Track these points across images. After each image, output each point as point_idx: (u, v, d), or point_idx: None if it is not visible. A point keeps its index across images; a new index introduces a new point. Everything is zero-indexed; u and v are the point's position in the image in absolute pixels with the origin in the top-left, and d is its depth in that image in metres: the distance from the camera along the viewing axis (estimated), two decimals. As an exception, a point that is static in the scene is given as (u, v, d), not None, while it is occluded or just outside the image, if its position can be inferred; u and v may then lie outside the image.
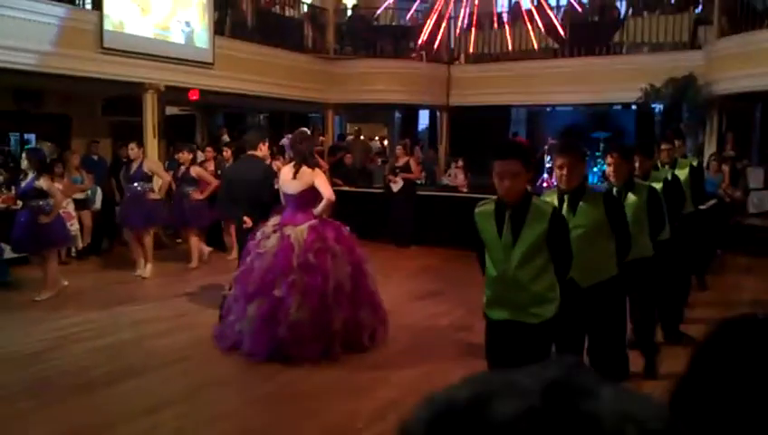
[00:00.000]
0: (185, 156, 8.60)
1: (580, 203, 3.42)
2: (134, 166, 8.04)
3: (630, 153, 4.33)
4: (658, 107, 12.47)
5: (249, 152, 5.92)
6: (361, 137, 15.22)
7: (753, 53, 10.06)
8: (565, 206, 3.41)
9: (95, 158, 10.59)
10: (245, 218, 5.54)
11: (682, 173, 5.32)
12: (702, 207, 6.13)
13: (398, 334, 5.47)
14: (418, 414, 0.46)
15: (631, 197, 4.09)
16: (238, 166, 6.28)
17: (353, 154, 12.97)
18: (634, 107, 13.84)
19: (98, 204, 9.69)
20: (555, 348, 3.24)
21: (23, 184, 6.81)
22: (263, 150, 5.92)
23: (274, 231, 5.07)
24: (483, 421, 0.41)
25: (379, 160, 14.95)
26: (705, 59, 11.44)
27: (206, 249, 8.75)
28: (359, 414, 3.96)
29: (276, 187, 5.47)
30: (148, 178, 8.11)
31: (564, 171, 3.37)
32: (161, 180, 8.34)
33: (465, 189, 11.48)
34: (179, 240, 9.71)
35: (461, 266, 8.12)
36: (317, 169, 5.25)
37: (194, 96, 11.50)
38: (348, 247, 5.17)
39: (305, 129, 5.92)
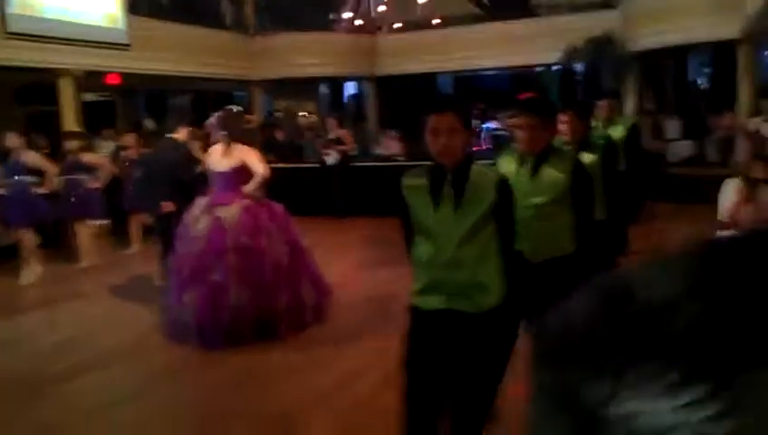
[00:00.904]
0: (73, 143, 7.94)
1: (544, 168, 3.05)
2: (12, 158, 7.30)
3: (586, 111, 4.07)
4: (580, 67, 12.87)
5: (168, 135, 5.76)
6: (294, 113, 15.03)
7: (665, 11, 10.49)
8: (524, 171, 3.06)
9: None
10: (167, 203, 5.37)
11: (617, 131, 5.44)
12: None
13: (351, 304, 5.50)
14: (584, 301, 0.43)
15: (588, 157, 3.68)
16: (157, 150, 6.10)
17: (283, 130, 12.80)
18: (556, 68, 14.21)
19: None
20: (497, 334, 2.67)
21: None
22: (182, 133, 5.74)
23: (204, 212, 4.92)
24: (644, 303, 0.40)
25: (310, 135, 14.82)
26: (622, 18, 11.83)
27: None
28: (321, 388, 3.97)
29: (201, 168, 5.32)
30: (30, 172, 7.33)
31: (526, 133, 3.02)
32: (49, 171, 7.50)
33: (401, 158, 11.53)
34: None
35: (399, 236, 8.21)
36: (248, 147, 5.13)
37: (113, 80, 11.05)
38: (282, 225, 5.08)
39: (233, 106, 5.79)
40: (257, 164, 5.02)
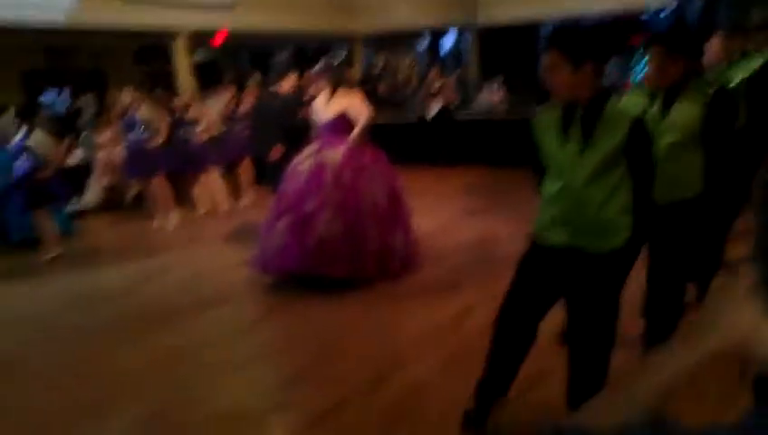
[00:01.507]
0: (179, 100, 8.31)
1: (677, 104, 2.92)
2: (129, 113, 7.76)
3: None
4: (694, 8, 12.04)
5: (275, 86, 6.00)
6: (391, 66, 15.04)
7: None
8: (654, 109, 2.95)
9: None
10: (276, 149, 5.56)
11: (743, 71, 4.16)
12: None
13: (456, 248, 5.61)
14: None
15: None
16: (264, 100, 6.37)
17: (384, 84, 12.87)
18: (668, 11, 13.37)
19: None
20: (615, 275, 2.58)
21: (14, 142, 6.51)
22: (285, 85, 5.89)
23: (310, 156, 5.06)
24: None
25: (411, 88, 14.82)
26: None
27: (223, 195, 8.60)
28: (430, 327, 4.12)
29: (306, 116, 5.43)
30: (145, 126, 7.69)
31: (654, 65, 2.92)
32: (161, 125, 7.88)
33: (503, 109, 11.37)
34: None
35: (504, 186, 8.21)
36: (352, 92, 5.19)
37: (220, 39, 11.47)
38: (383, 171, 5.12)
39: (334, 54, 5.96)
40: (361, 109, 5.06)
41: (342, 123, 5.05)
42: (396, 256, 5.03)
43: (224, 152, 8.56)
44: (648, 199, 2.47)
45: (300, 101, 6.25)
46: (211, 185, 8.53)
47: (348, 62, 14.37)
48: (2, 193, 6.48)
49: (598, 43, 2.37)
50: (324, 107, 5.11)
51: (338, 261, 4.78)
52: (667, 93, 2.94)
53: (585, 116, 2.38)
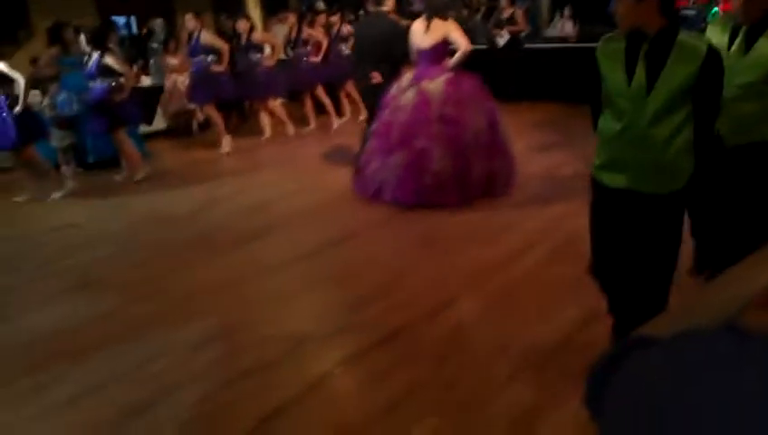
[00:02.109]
0: (243, 25, 8.19)
1: (761, 41, 2.75)
2: (193, 38, 7.74)
3: None
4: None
5: (375, 8, 5.92)
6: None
7: None
8: (736, 44, 2.82)
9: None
10: (374, 73, 5.62)
11: None
12: None
13: (525, 183, 5.58)
14: None
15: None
16: (365, 23, 6.32)
17: (453, 11, 12.49)
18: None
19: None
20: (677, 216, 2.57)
21: (89, 65, 6.57)
22: (389, 5, 5.87)
23: (411, 85, 5.19)
24: None
25: (481, 15, 14.34)
26: None
27: (290, 126, 8.66)
28: (491, 258, 4.14)
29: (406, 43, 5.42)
30: (208, 51, 7.75)
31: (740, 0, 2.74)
32: (224, 50, 7.84)
33: (574, 40, 10.91)
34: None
35: (575, 121, 7.92)
36: (450, 21, 5.23)
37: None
38: (482, 98, 5.26)
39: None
40: (460, 38, 5.15)
41: (441, 52, 5.19)
42: (498, 179, 5.30)
43: (289, 79, 8.57)
44: (711, 137, 2.39)
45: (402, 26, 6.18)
46: (276, 111, 8.62)
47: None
48: (80, 115, 6.72)
49: None
50: (422, 35, 5.17)
51: (449, 192, 5.10)
52: (750, 29, 2.78)
53: (651, 51, 2.24)
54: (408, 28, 5.37)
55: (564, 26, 11.64)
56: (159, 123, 9.27)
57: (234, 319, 3.58)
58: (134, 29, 13.01)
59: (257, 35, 8.41)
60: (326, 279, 4.10)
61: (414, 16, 5.95)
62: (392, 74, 5.45)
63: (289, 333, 3.36)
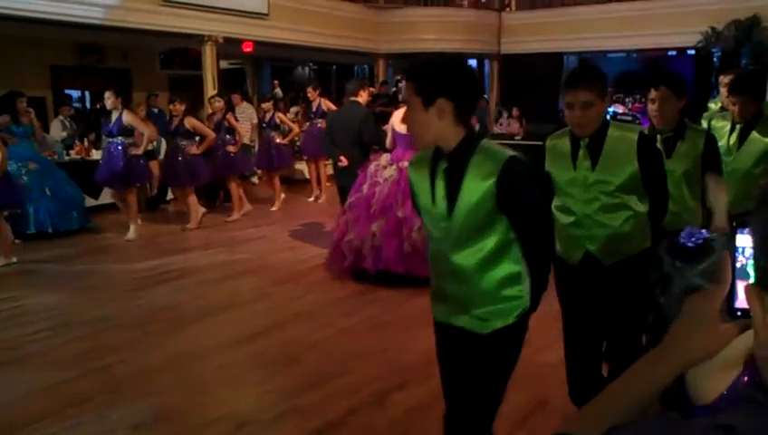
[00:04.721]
0: (177, 107, 7.74)
1: (680, 146, 3.08)
2: (113, 118, 7.22)
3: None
4: (717, 53, 12.13)
5: (351, 99, 6.38)
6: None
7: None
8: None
9: (155, 110, 10.89)
10: (342, 157, 6.08)
11: None
12: None
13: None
14: None
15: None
16: (340, 112, 6.73)
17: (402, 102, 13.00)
18: (691, 52, 13.48)
19: (162, 155, 9.92)
20: (571, 351, 2.68)
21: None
22: (363, 96, 6.35)
23: (390, 164, 5.58)
24: None
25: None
26: (771, -1, 11.04)
27: (201, 209, 8.07)
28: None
29: (377, 129, 5.94)
30: (127, 132, 7.27)
31: (658, 107, 3.10)
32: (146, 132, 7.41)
33: (519, 137, 11.46)
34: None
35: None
36: None
37: (248, 48, 11.64)
38: None
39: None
40: None
41: None
42: None
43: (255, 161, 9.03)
44: (661, 214, 2.60)
45: (375, 114, 6.71)
46: (233, 191, 8.59)
47: (370, 78, 14.56)
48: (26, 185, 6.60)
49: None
50: (400, 123, 5.48)
51: (421, 262, 5.06)
52: (671, 134, 3.12)
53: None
54: (379, 116, 5.71)
55: (511, 124, 12.25)
56: (106, 197, 9.10)
57: (177, 400, 3.46)
58: (88, 103, 13.02)
59: (190, 121, 7.82)
60: (271, 363, 4.04)
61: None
62: (362, 157, 5.87)
63: (232, 414, 3.27)
